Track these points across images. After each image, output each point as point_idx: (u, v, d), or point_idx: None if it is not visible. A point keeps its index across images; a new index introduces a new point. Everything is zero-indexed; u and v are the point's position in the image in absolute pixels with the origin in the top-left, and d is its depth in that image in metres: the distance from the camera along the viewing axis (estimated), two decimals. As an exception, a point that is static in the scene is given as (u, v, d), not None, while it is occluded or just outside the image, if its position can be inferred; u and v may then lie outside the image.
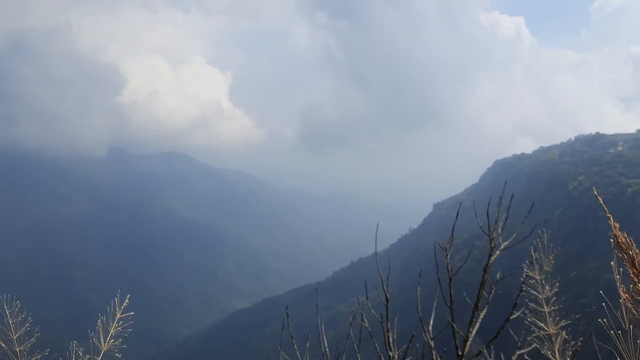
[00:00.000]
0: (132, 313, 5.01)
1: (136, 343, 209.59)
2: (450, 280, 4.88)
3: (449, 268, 4.90)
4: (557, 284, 4.55)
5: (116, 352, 4.93)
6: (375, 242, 5.32)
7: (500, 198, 4.98)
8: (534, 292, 4.61)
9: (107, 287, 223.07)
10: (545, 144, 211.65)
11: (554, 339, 4.34)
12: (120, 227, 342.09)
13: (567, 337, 4.30)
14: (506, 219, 4.89)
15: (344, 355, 5.14)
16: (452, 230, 5.11)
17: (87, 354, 4.87)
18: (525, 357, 4.50)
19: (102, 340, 4.89)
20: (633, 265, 2.09)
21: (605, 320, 2.18)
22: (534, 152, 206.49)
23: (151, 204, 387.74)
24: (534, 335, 4.44)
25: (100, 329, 4.92)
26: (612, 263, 2.13)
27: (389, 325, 5.05)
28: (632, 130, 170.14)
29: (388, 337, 5.01)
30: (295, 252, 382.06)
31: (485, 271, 4.70)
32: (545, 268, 4.62)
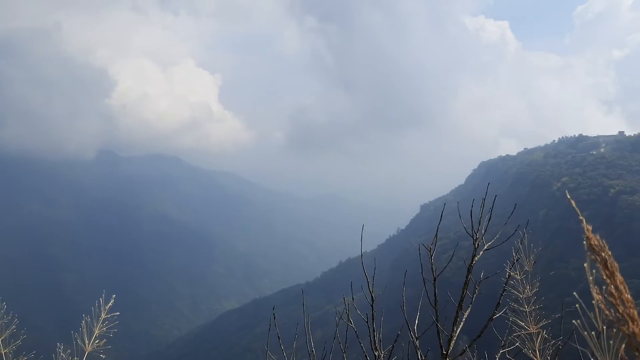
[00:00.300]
0: (118, 313, 4.97)
1: (126, 345, 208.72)
2: (434, 281, 4.93)
3: (434, 268, 4.95)
4: (538, 284, 4.62)
5: (101, 354, 4.88)
6: (361, 243, 5.36)
7: (484, 199, 5.04)
8: (515, 292, 4.67)
9: (96, 290, 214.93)
10: (530, 146, 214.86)
11: (534, 338, 4.41)
12: (109, 230, 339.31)
13: (546, 336, 4.37)
14: (489, 219, 4.94)
15: (330, 356, 5.18)
16: (437, 231, 5.17)
17: (73, 356, 4.81)
18: (507, 356, 4.56)
19: (86, 341, 4.83)
20: (605, 267, 2.14)
21: (579, 321, 2.24)
22: (519, 153, 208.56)
23: (140, 206, 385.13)
24: (514, 334, 4.51)
25: (85, 329, 4.84)
26: (585, 265, 2.19)
27: (374, 325, 5.09)
28: (614, 132, 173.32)
29: (374, 336, 5.06)
30: (284, 254, 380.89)
31: (469, 271, 4.75)
32: (526, 268, 4.69)
